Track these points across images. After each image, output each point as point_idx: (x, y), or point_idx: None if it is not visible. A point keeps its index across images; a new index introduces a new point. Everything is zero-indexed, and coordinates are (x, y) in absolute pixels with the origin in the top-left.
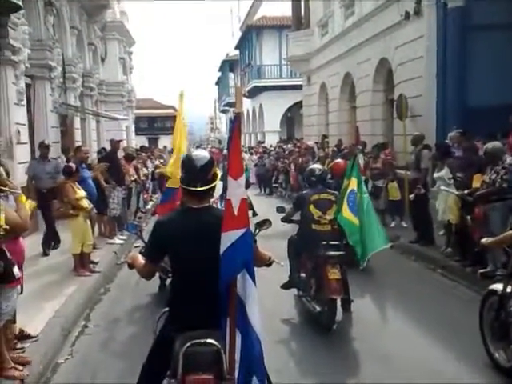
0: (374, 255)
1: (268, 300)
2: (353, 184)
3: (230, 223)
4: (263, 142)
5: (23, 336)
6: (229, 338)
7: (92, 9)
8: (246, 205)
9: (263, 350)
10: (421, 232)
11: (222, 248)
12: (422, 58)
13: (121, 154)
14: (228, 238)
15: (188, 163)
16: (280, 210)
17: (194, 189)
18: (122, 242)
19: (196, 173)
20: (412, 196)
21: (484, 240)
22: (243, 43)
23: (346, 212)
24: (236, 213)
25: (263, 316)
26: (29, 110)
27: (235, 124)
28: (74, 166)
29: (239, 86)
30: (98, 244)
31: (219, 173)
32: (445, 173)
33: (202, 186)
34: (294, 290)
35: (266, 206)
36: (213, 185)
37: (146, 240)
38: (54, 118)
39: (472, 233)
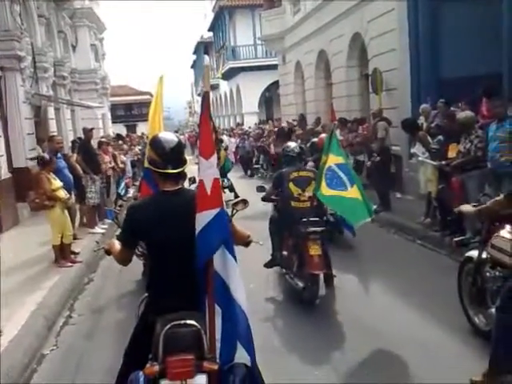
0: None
1: (251, 279)
2: (330, 160)
3: (204, 203)
4: (242, 124)
5: None
6: (208, 318)
7: None
8: (219, 184)
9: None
10: (381, 198)
11: (198, 228)
12: (395, 30)
13: (95, 142)
14: (203, 218)
15: (159, 146)
16: (260, 189)
17: (169, 171)
18: (103, 231)
19: (169, 155)
20: (369, 163)
21: (461, 207)
22: (216, 25)
23: (325, 189)
24: (209, 192)
25: (247, 295)
26: (1, 103)
27: (204, 103)
28: (47, 156)
29: (207, 64)
30: (80, 234)
31: (187, 158)
32: (417, 148)
33: (175, 168)
34: (277, 268)
35: (247, 188)
36: (186, 167)
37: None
38: (26, 109)
39: (449, 202)
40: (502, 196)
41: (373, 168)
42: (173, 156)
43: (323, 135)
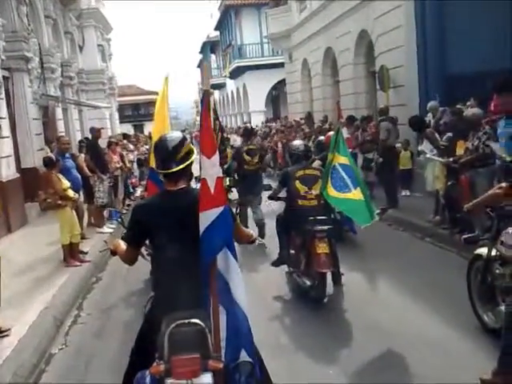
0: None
1: (259, 278)
2: (336, 159)
3: (208, 202)
4: (249, 123)
5: None
6: (212, 317)
7: None
8: (222, 183)
9: (254, 326)
10: (388, 197)
11: (202, 228)
12: (402, 27)
13: (104, 142)
14: (206, 218)
15: (157, 146)
16: (267, 187)
17: (165, 171)
18: (111, 230)
19: (165, 155)
20: (373, 165)
21: (467, 205)
22: (223, 24)
23: (330, 189)
24: (213, 191)
25: (254, 294)
26: (9, 103)
27: (204, 102)
28: (53, 156)
29: (206, 63)
30: (88, 234)
31: (194, 150)
32: (424, 146)
33: (172, 168)
34: (285, 267)
35: None
36: (184, 165)
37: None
38: (34, 109)
39: (458, 200)
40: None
41: (378, 168)
42: (167, 156)
43: (330, 133)
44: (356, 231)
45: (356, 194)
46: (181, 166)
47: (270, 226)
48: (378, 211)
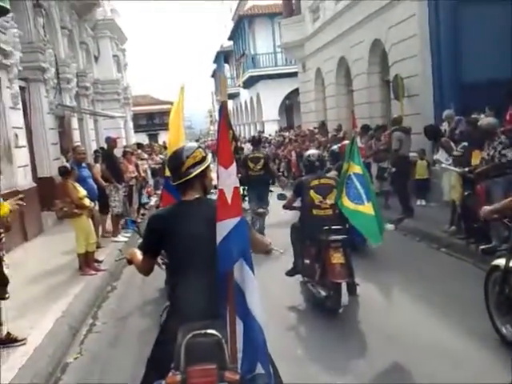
0: None
1: (273, 287)
2: (352, 169)
3: (225, 212)
4: (263, 132)
5: (10, 340)
6: (229, 328)
7: (81, 8)
8: (239, 193)
9: (269, 337)
10: (403, 206)
11: (219, 238)
12: (416, 36)
13: (119, 151)
14: (223, 228)
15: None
16: (281, 197)
17: (175, 183)
18: (126, 239)
19: (174, 167)
20: (386, 175)
21: (484, 210)
22: (236, 33)
23: (345, 200)
24: (230, 202)
25: (269, 304)
26: (25, 113)
27: (222, 113)
28: (68, 165)
29: (222, 75)
30: (103, 243)
31: (208, 157)
32: (440, 155)
33: (180, 179)
34: (299, 277)
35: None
36: (192, 175)
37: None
38: (51, 119)
39: (474, 210)
40: None
41: (391, 178)
42: (172, 169)
43: (346, 142)
44: (364, 241)
45: (367, 208)
46: (188, 177)
47: (284, 236)
48: (389, 226)
